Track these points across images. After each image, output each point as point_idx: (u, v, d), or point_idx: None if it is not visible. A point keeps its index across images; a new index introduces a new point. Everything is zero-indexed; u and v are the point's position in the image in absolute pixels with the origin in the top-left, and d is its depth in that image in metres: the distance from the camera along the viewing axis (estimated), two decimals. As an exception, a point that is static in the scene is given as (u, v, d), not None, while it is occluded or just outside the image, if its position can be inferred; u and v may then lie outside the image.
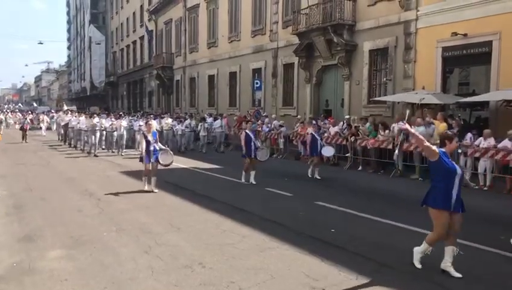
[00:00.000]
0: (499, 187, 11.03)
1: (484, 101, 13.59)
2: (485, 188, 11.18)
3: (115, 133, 18.86)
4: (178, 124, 20.69)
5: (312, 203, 9.26)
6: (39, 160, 16.75)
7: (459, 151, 11.66)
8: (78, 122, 19.88)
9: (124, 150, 18.70)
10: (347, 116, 16.93)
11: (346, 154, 15.39)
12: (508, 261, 5.85)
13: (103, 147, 19.46)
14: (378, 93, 17.84)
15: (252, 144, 11.59)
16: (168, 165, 10.51)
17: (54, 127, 33.50)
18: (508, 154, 10.67)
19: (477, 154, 11.32)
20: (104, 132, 18.99)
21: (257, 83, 23.50)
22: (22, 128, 24.90)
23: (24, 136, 24.38)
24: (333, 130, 16.23)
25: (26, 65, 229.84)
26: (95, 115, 20.65)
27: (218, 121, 20.94)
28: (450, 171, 5.22)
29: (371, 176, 13.57)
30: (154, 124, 11.31)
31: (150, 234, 6.89)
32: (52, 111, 44.59)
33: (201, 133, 20.57)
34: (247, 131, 11.83)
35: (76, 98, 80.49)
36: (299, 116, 20.17)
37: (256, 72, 25.36)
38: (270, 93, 24.26)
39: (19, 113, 44.71)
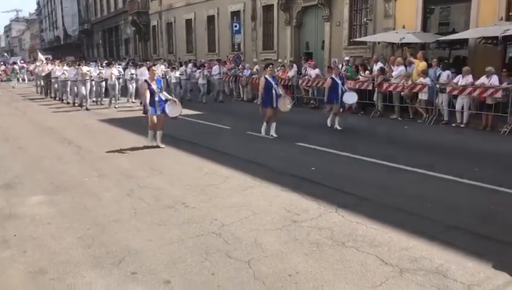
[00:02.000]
0: (475, 124, 11.27)
1: (463, 39, 13.57)
2: (462, 125, 11.39)
3: (103, 84, 17.47)
4: (171, 71, 18.78)
5: (293, 144, 9.34)
6: (14, 111, 16.32)
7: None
8: (63, 73, 18.00)
9: (117, 102, 17.08)
10: (347, 58, 16.19)
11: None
12: (481, 190, 6.07)
13: (93, 98, 17.73)
14: (359, 34, 17.62)
15: (273, 91, 10.11)
16: (176, 117, 9.45)
17: (25, 78, 32.13)
18: (484, 91, 10.80)
19: (455, 92, 11.42)
20: (93, 82, 17.32)
21: (236, 26, 22.92)
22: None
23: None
24: (314, 72, 16.10)
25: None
26: (82, 62, 18.51)
27: (216, 67, 18.81)
28: None
29: (351, 117, 13.57)
30: (157, 70, 10.31)
31: (132, 178, 6.90)
32: (21, 61, 42.17)
33: (200, 82, 18.52)
34: (266, 76, 10.22)
35: (49, 47, 77.39)
36: (279, 60, 19.89)
37: (235, 15, 24.63)
38: (249, 37, 23.73)
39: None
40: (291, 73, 16.80)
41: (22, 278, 3.88)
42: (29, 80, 30.17)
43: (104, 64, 20.43)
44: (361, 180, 6.67)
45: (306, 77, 16.20)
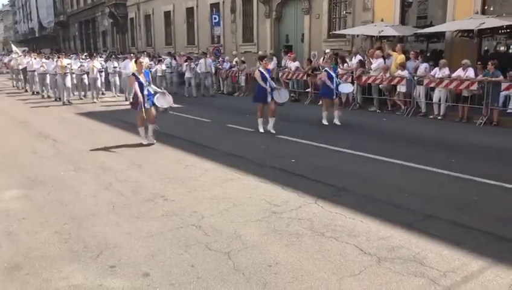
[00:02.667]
0: (452, 115, 11.47)
1: (440, 32, 13.76)
2: (439, 117, 11.58)
3: (85, 77, 16.87)
4: (156, 64, 18.07)
5: (273, 137, 9.35)
6: (-12, 104, 15.90)
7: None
8: (42, 65, 17.15)
9: (100, 96, 16.76)
10: (327, 51, 16.33)
11: (307, 90, 15.44)
12: (457, 180, 6.19)
13: (71, 93, 16.74)
14: (338, 27, 17.70)
15: (268, 84, 9.66)
16: (167, 110, 9.01)
17: None
18: (461, 83, 10.99)
19: (432, 84, 11.59)
20: (73, 76, 16.62)
21: (215, 18, 22.73)
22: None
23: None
24: (293, 65, 16.12)
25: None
26: (61, 55, 17.66)
27: (202, 60, 17.69)
28: None
29: (331, 109, 13.70)
30: (145, 62, 9.85)
31: (110, 172, 6.80)
32: None
33: (187, 75, 17.70)
34: (260, 69, 9.69)
35: (24, 40, 75.57)
36: (260, 53, 19.80)
37: (214, 7, 24.44)
38: (229, 30, 23.59)
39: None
40: (271, 66, 16.63)
41: (-4, 274, 3.79)
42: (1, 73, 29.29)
43: (84, 57, 19.87)
44: (340, 171, 6.72)
45: (286, 69, 16.22)
